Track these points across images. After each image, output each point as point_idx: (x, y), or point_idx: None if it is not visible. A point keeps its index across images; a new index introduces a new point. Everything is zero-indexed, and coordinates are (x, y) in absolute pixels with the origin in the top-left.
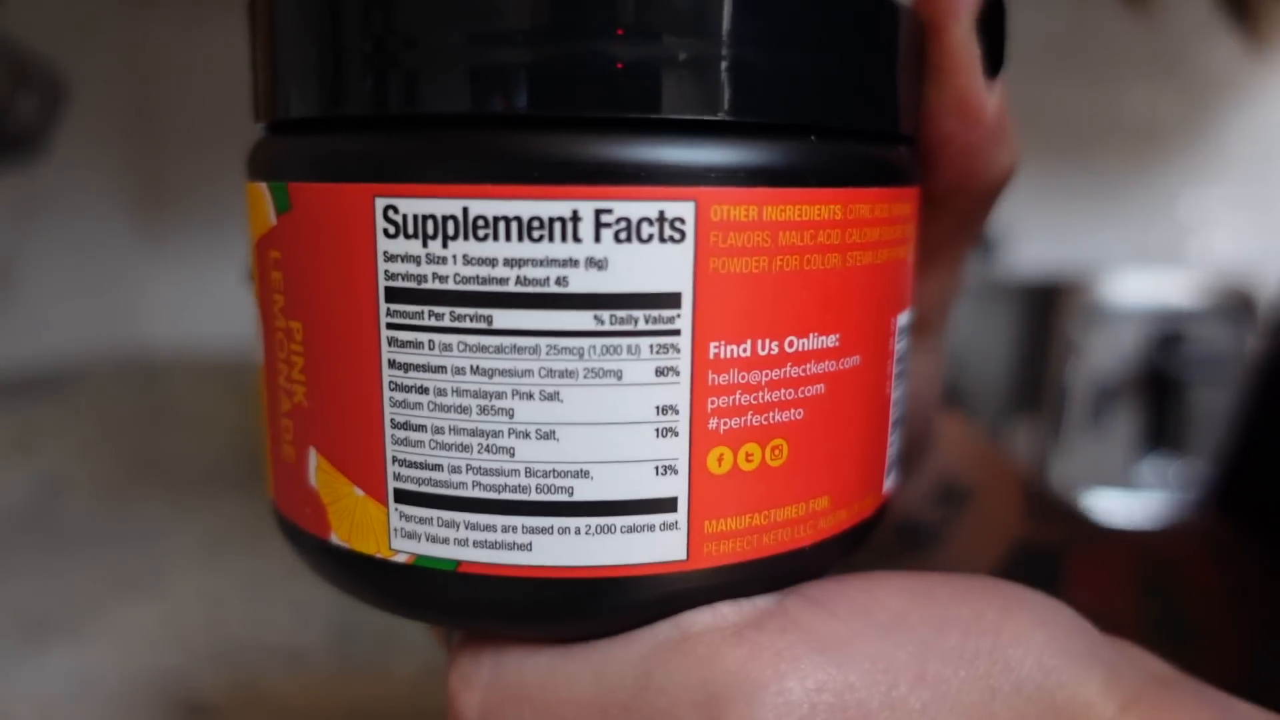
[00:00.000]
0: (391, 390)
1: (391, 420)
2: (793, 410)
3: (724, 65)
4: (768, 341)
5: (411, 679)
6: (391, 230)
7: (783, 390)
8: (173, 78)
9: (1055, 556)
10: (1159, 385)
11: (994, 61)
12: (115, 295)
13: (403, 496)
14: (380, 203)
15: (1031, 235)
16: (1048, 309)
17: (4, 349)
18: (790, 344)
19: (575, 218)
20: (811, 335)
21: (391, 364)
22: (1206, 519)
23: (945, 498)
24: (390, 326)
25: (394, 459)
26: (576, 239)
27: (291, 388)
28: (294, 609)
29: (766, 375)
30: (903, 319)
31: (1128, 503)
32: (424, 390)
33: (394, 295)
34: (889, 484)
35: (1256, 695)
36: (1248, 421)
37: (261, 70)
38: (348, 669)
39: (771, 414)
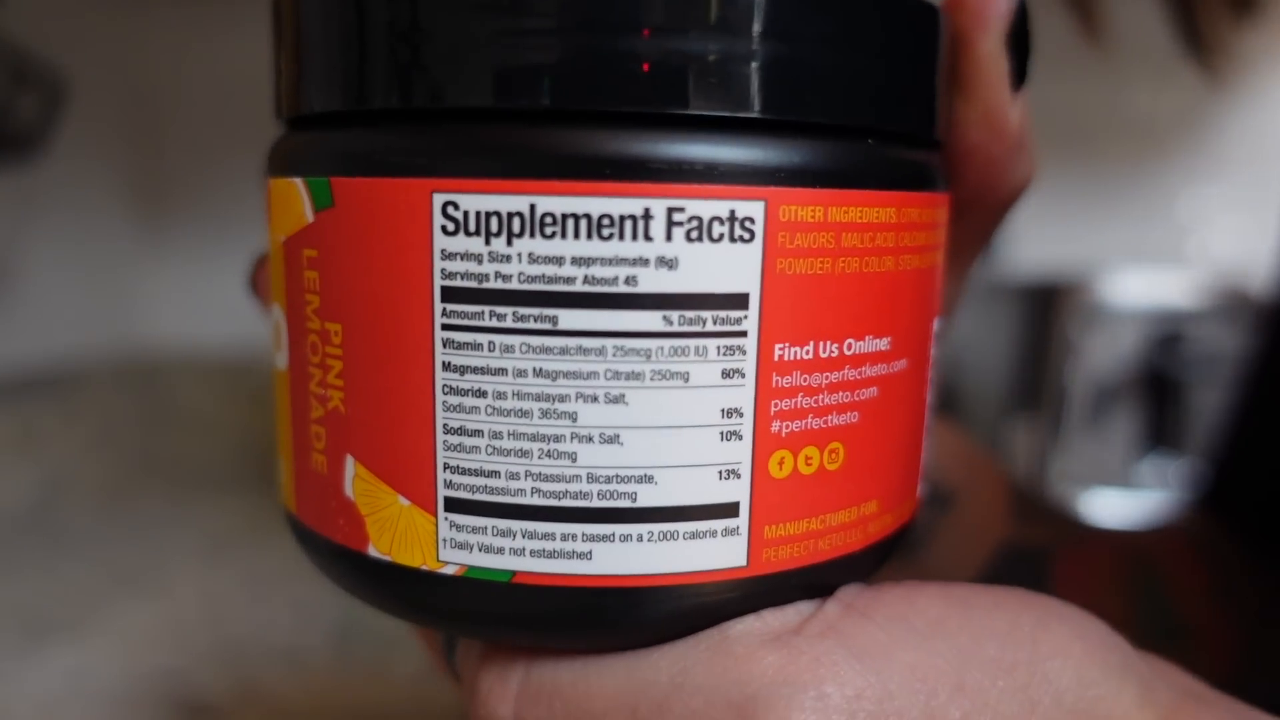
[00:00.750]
0: (445, 394)
1: (445, 425)
2: (849, 413)
3: (794, 66)
4: (829, 344)
5: (412, 679)
6: (450, 227)
7: (841, 393)
8: (173, 77)
9: (1042, 557)
10: (1158, 385)
11: (1020, 74)
12: (115, 295)
13: (454, 505)
14: (439, 199)
15: (1031, 235)
16: (1047, 309)
17: (4, 348)
18: (849, 346)
19: (647, 216)
20: (868, 338)
21: (446, 366)
22: (1193, 517)
23: (930, 501)
24: (446, 328)
25: (445, 466)
26: (648, 237)
27: (326, 393)
28: (294, 609)
29: (827, 378)
30: (938, 324)
31: (1127, 502)
32: (482, 394)
33: (451, 295)
34: (920, 488)
35: (1244, 691)
36: (1236, 419)
37: (289, 63)
38: (348, 669)
39: (830, 417)
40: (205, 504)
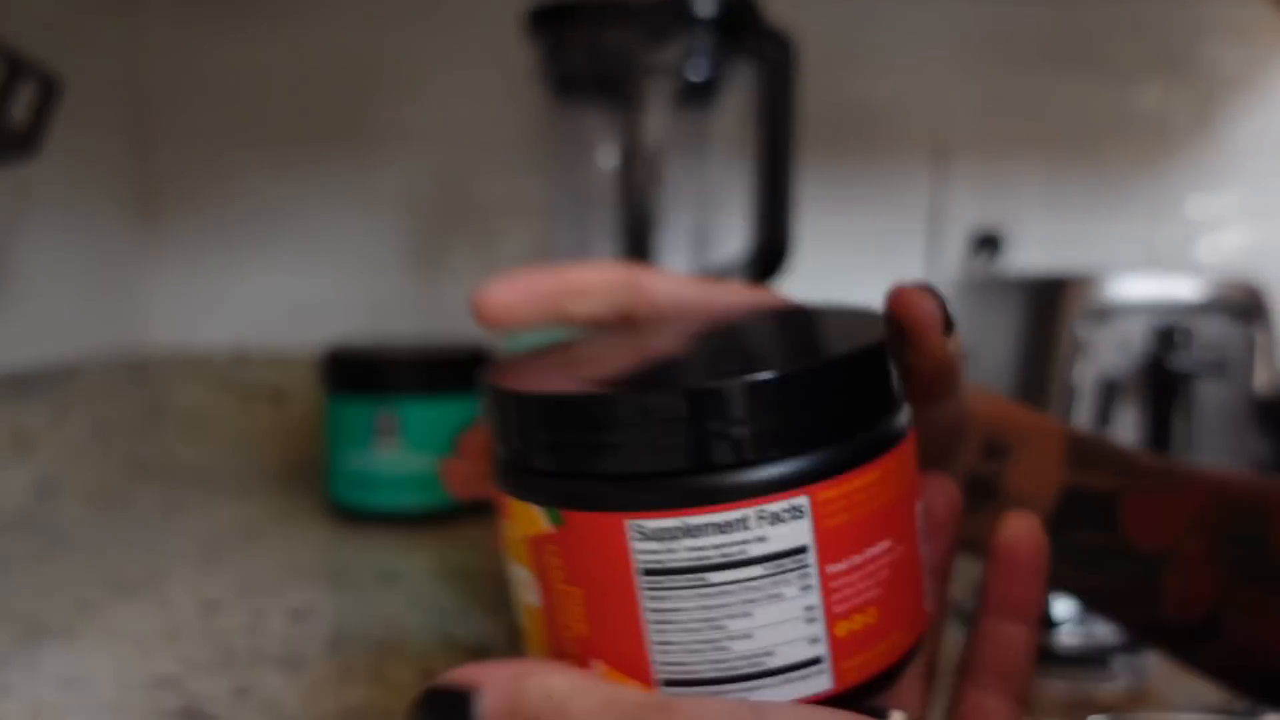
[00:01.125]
0: (653, 624)
1: (653, 641)
2: (874, 589)
3: (811, 424)
4: (855, 557)
5: (406, 684)
6: (639, 537)
7: (867, 581)
8: (170, 77)
9: (1110, 500)
10: (1165, 381)
11: (949, 325)
12: (111, 295)
13: (666, 682)
14: (631, 524)
15: (1039, 234)
16: (1053, 305)
17: None
18: (867, 554)
19: (746, 519)
20: (878, 544)
21: (649, 609)
22: None
23: (989, 453)
24: (646, 588)
25: (655, 662)
26: (747, 528)
27: (573, 624)
28: (289, 614)
29: (858, 574)
30: (919, 505)
31: None
32: (671, 622)
33: (647, 571)
34: (927, 604)
35: None
36: None
37: (516, 439)
38: (342, 674)
39: (864, 595)
40: (199, 507)
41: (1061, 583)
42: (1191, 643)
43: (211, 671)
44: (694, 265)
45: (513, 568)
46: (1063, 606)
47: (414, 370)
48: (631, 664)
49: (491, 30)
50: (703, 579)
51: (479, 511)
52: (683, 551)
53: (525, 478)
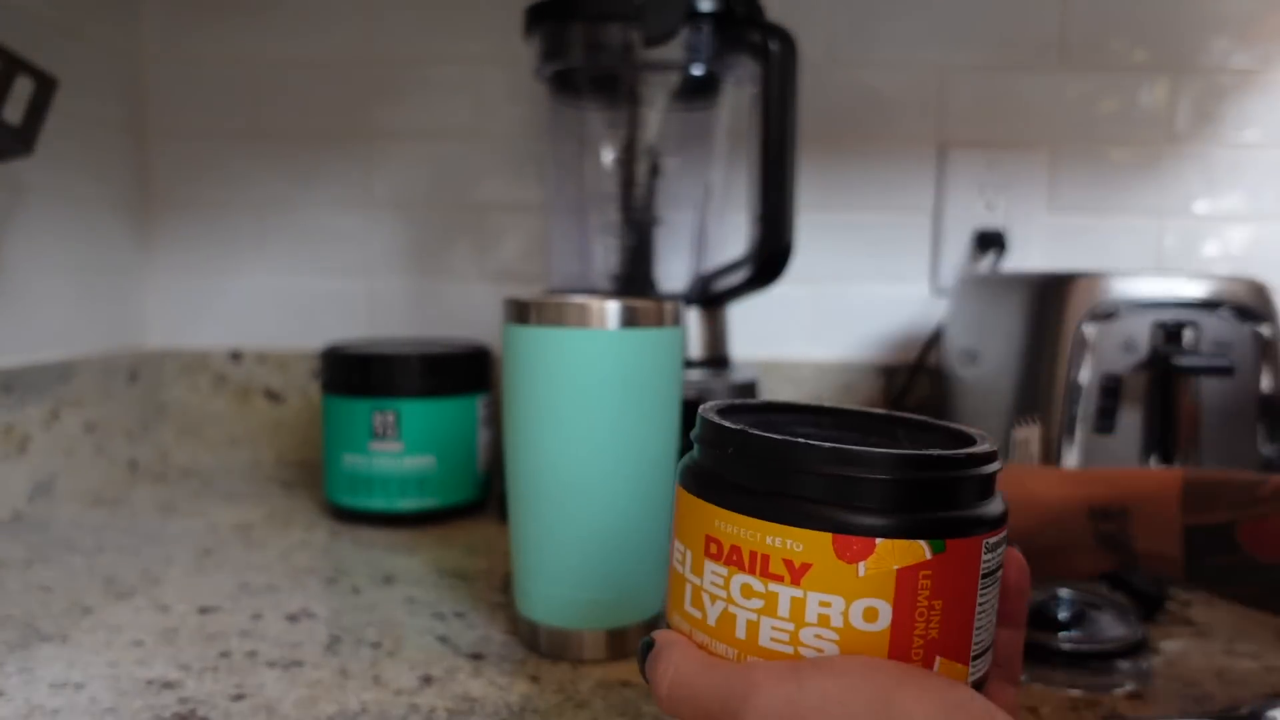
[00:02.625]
0: (977, 616)
1: (975, 628)
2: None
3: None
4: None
5: (404, 687)
6: (986, 550)
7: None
8: (166, 76)
9: (1227, 530)
10: (1170, 380)
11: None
12: (107, 294)
13: (973, 658)
14: (985, 541)
15: (1043, 233)
16: (1058, 304)
17: None
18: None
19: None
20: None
21: (979, 606)
22: None
23: (1105, 518)
24: (981, 589)
25: (973, 644)
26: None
27: (928, 632)
28: (285, 617)
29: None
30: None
31: None
32: (984, 613)
33: (984, 575)
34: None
35: None
36: None
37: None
38: (339, 677)
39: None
40: (196, 509)
41: (1223, 596)
42: None
43: (208, 674)
44: (694, 265)
45: (826, 602)
46: (1065, 609)
47: (412, 370)
48: (961, 651)
49: (491, 29)
50: (994, 578)
51: (477, 513)
52: (994, 559)
53: (897, 518)
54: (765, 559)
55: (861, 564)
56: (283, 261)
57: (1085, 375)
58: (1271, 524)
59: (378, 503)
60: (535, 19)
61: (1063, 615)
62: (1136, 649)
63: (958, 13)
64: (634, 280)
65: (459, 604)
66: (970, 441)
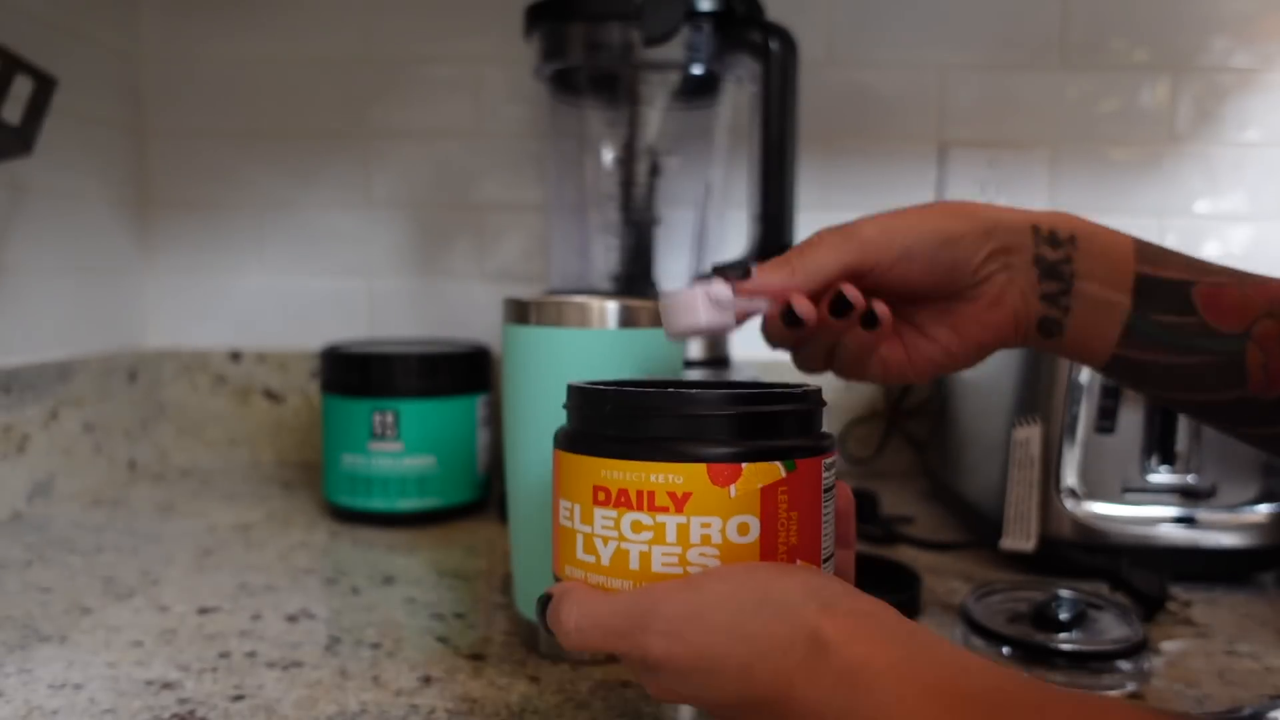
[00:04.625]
0: (824, 524)
1: (824, 535)
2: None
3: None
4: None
5: (403, 687)
6: (825, 469)
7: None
8: (166, 75)
9: (1183, 288)
10: None
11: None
12: (106, 294)
13: (825, 559)
14: (825, 461)
15: None
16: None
17: None
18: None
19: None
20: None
21: (825, 516)
22: None
23: (1054, 243)
24: (825, 502)
25: (823, 549)
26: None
27: (789, 539)
28: (285, 617)
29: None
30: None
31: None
32: (828, 522)
33: (825, 490)
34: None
35: None
36: None
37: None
38: (339, 677)
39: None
40: (195, 509)
41: (1156, 368)
42: (1273, 423)
43: (208, 675)
44: (694, 265)
45: (706, 524)
46: (1065, 610)
47: (412, 370)
48: (814, 554)
49: (491, 29)
50: (832, 495)
51: (477, 513)
52: (830, 476)
53: (756, 445)
54: (651, 495)
55: (732, 486)
56: (283, 261)
57: (1085, 375)
58: (1229, 293)
59: (377, 503)
60: (535, 19)
61: (1063, 616)
62: (1137, 649)
63: (958, 13)
64: (634, 280)
65: (459, 604)
66: (798, 386)
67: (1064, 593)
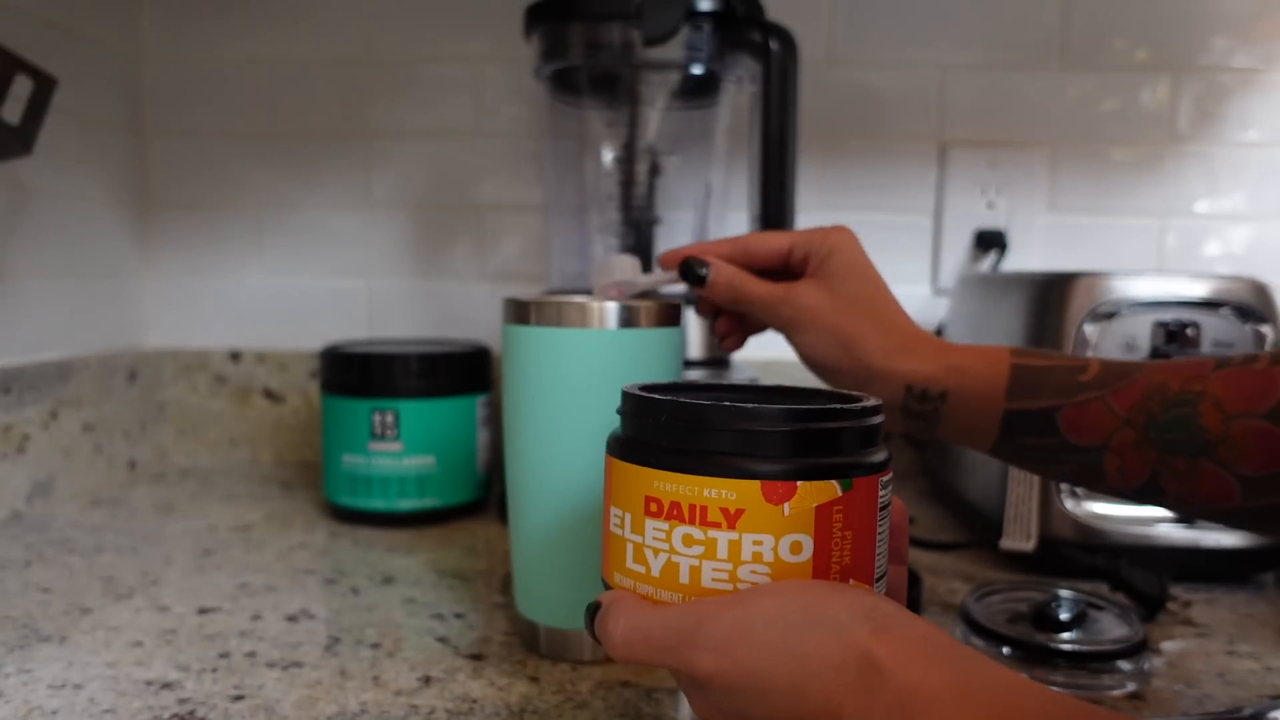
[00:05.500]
0: (878, 543)
1: (878, 553)
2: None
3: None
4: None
5: (403, 687)
6: (881, 487)
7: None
8: (166, 75)
9: (1048, 415)
10: None
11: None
12: (106, 294)
13: (877, 579)
14: (881, 479)
15: (1044, 232)
16: (1059, 304)
17: None
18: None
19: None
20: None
21: (879, 534)
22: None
23: (922, 398)
24: (880, 520)
25: (877, 567)
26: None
27: (842, 558)
28: (285, 617)
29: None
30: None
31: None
32: (882, 540)
33: (881, 508)
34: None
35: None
36: None
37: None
38: (338, 677)
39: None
40: (195, 509)
41: (1026, 469)
42: (1140, 500)
43: (208, 675)
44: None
45: (758, 541)
46: (1065, 610)
47: (412, 370)
48: (867, 574)
49: (491, 29)
50: (887, 512)
51: (477, 513)
52: (886, 494)
53: (812, 463)
54: (704, 510)
55: (786, 505)
56: (282, 261)
57: None
58: (1093, 409)
59: (377, 503)
60: (535, 19)
61: (1063, 616)
62: (1137, 650)
63: (958, 13)
64: None
65: (459, 604)
66: (857, 399)
67: (1064, 593)
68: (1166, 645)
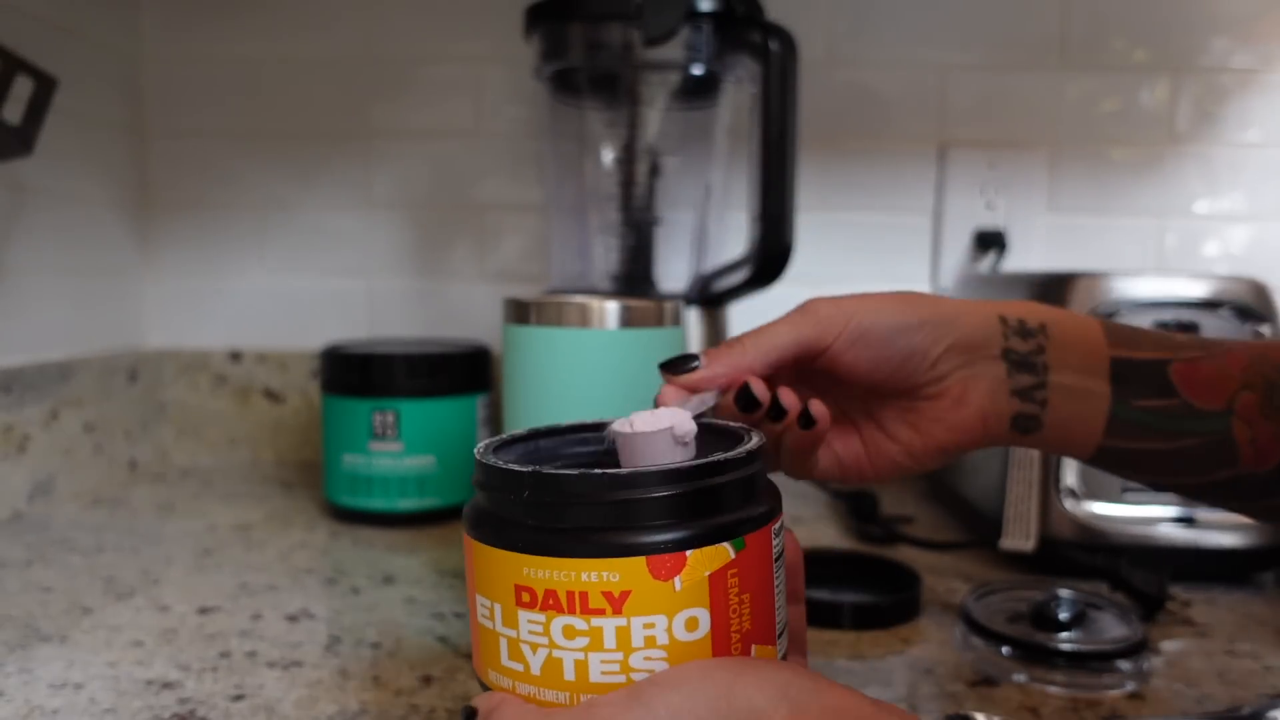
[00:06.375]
0: (777, 598)
1: (778, 608)
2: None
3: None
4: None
5: (403, 687)
6: (774, 535)
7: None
8: (166, 75)
9: (1159, 367)
10: None
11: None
12: (106, 294)
13: (779, 634)
14: (774, 527)
15: (1044, 233)
16: (1059, 304)
17: None
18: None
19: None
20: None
21: (777, 588)
22: None
23: (1022, 332)
24: (776, 571)
25: (778, 624)
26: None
27: (742, 625)
28: (285, 617)
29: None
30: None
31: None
32: (780, 594)
33: (776, 558)
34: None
35: None
36: None
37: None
38: (339, 677)
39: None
40: (195, 509)
41: (1147, 456)
42: (1270, 495)
43: (208, 674)
44: (694, 265)
45: (650, 624)
46: (1065, 609)
47: (412, 370)
48: (769, 634)
49: (491, 29)
50: (781, 560)
51: None
52: (779, 541)
53: (700, 526)
54: (584, 596)
55: (677, 579)
56: (283, 261)
57: None
58: (1204, 368)
59: (377, 503)
60: (535, 19)
61: (1063, 615)
62: (1137, 649)
63: (958, 12)
64: (634, 280)
65: (459, 604)
66: (739, 438)
67: (1064, 593)
68: (1166, 645)
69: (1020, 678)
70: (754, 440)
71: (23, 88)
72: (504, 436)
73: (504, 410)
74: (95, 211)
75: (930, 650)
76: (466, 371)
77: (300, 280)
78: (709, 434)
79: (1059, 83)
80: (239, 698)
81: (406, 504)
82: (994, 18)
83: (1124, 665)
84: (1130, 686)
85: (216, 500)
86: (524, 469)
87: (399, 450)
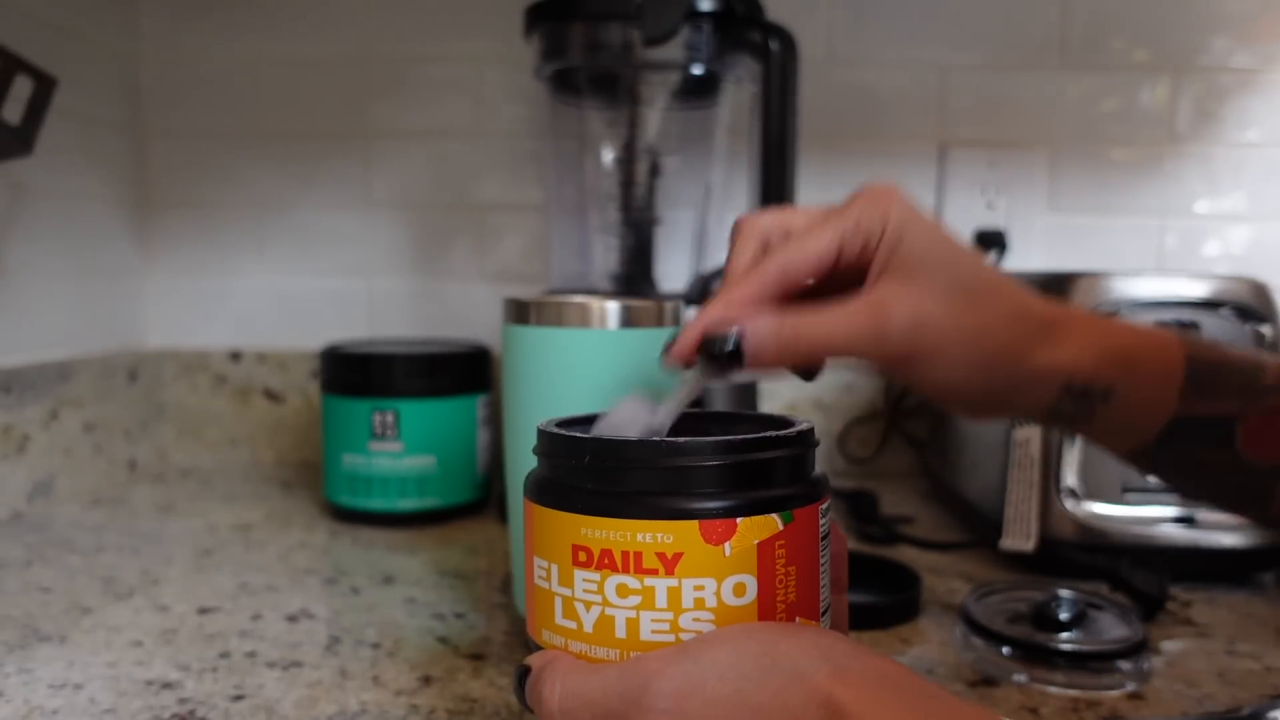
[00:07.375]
0: (821, 574)
1: (821, 584)
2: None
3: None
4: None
5: (404, 687)
6: (821, 515)
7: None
8: (166, 75)
9: (1227, 423)
10: None
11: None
12: (106, 294)
13: (823, 611)
14: (821, 507)
15: (1044, 233)
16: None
17: None
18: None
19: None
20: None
21: (821, 564)
22: None
23: (1082, 397)
24: (821, 550)
25: (821, 599)
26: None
27: (787, 596)
28: (285, 617)
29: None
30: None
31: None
32: (824, 570)
33: (823, 537)
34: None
35: None
36: None
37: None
38: (339, 677)
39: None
40: (195, 509)
41: (1174, 486)
42: None
43: (208, 675)
44: (694, 265)
45: (700, 586)
46: (1065, 610)
47: (412, 370)
48: (813, 609)
49: (491, 29)
50: (828, 541)
51: (477, 512)
52: (825, 522)
53: (751, 496)
54: (638, 556)
55: (727, 544)
56: (282, 261)
57: None
58: (1277, 421)
59: (377, 503)
60: (535, 19)
61: (1063, 615)
62: (1137, 649)
63: (958, 12)
64: (634, 280)
65: (459, 604)
66: (789, 424)
67: (1064, 593)
68: (1166, 645)
69: (1020, 678)
70: (803, 424)
71: (22, 87)
72: (568, 417)
73: (504, 410)
74: (95, 211)
75: (930, 650)
76: (466, 371)
77: (300, 280)
78: (754, 422)
79: (1059, 82)
80: (239, 698)
81: (406, 504)
82: (994, 18)
83: (1124, 665)
84: (1130, 687)
85: (216, 500)
86: (586, 435)
87: (399, 450)
